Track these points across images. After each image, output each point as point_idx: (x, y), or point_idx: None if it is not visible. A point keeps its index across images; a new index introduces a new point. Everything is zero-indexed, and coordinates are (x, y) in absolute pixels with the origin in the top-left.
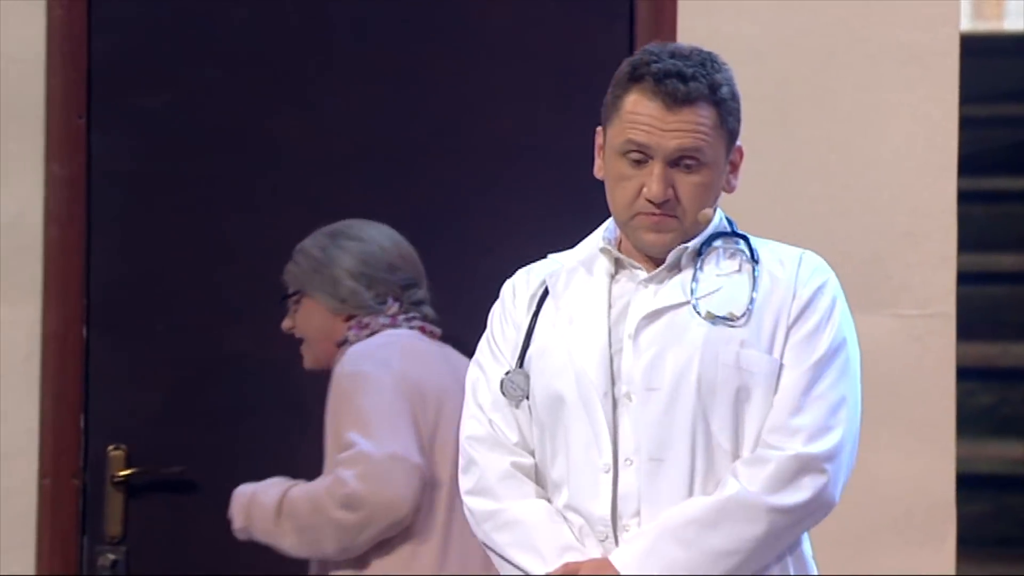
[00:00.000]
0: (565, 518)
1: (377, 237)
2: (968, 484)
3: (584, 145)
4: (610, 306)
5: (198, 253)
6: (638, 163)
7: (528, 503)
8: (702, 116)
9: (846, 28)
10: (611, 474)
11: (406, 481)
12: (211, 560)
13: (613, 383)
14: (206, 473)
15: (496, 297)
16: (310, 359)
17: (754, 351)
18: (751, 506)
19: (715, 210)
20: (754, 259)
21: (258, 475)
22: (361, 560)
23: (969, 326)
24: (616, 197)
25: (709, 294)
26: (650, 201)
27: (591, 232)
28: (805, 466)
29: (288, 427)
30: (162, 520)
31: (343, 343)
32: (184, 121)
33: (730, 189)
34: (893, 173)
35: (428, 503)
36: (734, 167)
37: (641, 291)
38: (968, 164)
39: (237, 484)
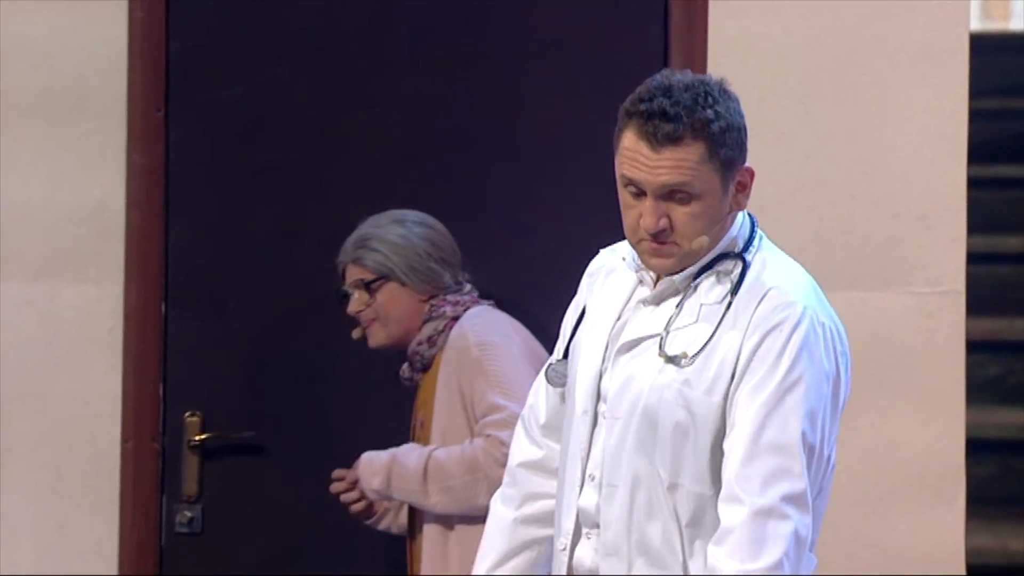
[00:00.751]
0: (520, 526)
1: (435, 223)
2: (977, 448)
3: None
4: (618, 318)
5: (267, 235)
6: (636, 194)
7: (497, 508)
8: (688, 152)
9: (865, 28)
10: (578, 490)
11: None
12: (278, 516)
13: (598, 399)
14: (274, 438)
15: (534, 278)
16: (383, 337)
17: (696, 392)
18: None
19: (738, 222)
20: (735, 290)
21: (322, 440)
22: None
23: (978, 303)
24: (624, 223)
25: (681, 328)
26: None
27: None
28: (767, 517)
29: (350, 395)
30: (234, 480)
31: (428, 320)
32: (255, 114)
33: (740, 207)
34: (908, 161)
35: None
36: (742, 187)
37: (640, 311)
38: (977, 153)
39: (302, 448)
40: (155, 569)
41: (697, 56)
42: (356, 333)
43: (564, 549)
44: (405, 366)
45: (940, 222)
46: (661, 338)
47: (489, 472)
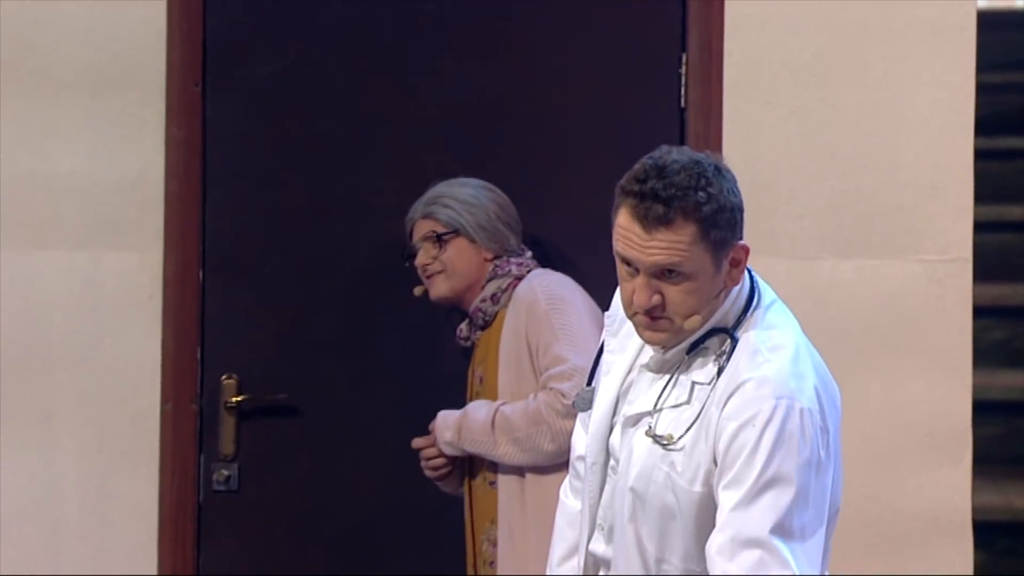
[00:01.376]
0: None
1: (499, 191)
2: (983, 410)
3: (633, 119)
4: (628, 372)
5: (301, 204)
6: (631, 271)
7: (564, 500)
8: (679, 234)
9: (876, 5)
10: (588, 532)
11: None
12: (311, 474)
13: (608, 455)
14: (308, 400)
15: (559, 254)
16: (446, 290)
17: (680, 478)
18: None
19: (732, 297)
20: (721, 371)
21: (355, 402)
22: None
23: (984, 269)
24: (620, 295)
25: (672, 407)
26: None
27: None
28: None
29: (380, 358)
30: (269, 440)
31: (492, 278)
32: (289, 89)
33: (734, 283)
34: (917, 133)
35: None
36: (736, 263)
37: (643, 376)
38: (984, 125)
39: (335, 409)
40: (193, 525)
41: (714, 32)
42: (418, 290)
43: None
44: (463, 325)
45: (948, 192)
46: (651, 417)
47: (552, 423)
